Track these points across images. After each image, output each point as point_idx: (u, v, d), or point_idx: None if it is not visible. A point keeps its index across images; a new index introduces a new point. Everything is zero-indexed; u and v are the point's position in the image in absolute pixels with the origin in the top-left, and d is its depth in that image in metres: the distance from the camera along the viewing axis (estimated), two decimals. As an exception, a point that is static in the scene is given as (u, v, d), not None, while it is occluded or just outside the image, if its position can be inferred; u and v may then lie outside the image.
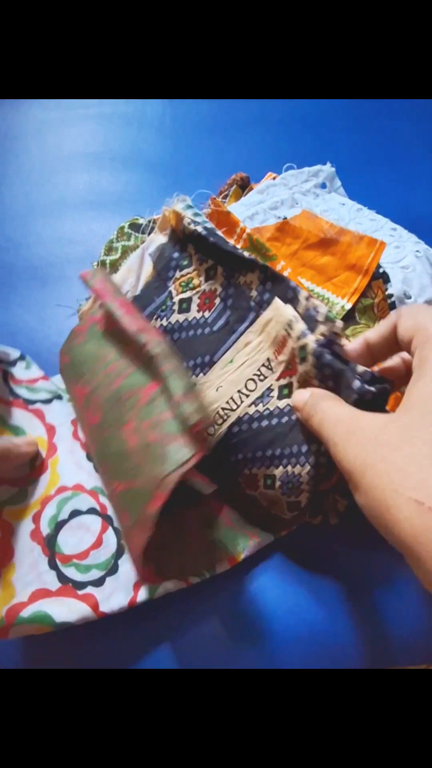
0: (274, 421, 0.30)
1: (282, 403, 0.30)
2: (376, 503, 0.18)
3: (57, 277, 0.45)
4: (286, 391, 0.30)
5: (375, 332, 0.25)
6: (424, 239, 0.41)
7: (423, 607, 0.31)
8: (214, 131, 0.57)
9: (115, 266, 0.38)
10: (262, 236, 0.40)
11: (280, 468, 0.29)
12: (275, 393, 0.30)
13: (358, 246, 0.39)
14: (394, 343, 0.24)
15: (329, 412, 0.23)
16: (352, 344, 0.26)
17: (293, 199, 0.44)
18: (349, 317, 0.38)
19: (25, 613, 0.26)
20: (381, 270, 0.38)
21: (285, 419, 0.29)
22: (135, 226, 0.39)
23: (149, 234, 0.39)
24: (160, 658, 0.29)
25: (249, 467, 0.30)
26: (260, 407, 0.30)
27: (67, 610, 0.27)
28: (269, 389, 0.30)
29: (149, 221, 0.39)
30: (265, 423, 0.30)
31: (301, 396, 0.27)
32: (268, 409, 0.30)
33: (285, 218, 0.41)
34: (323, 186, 0.46)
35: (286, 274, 0.36)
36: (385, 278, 0.38)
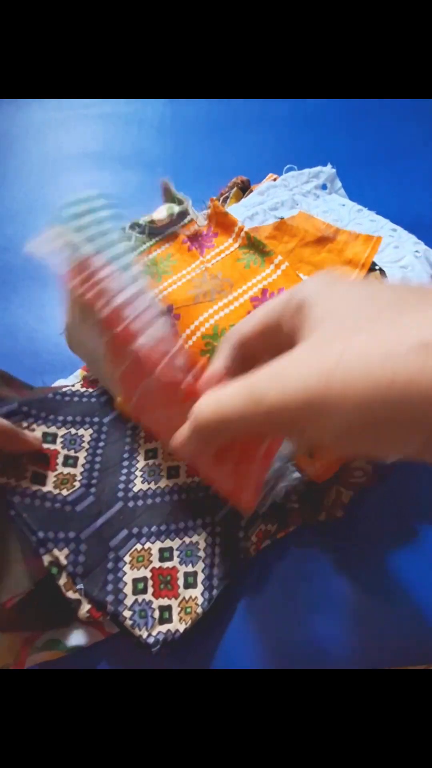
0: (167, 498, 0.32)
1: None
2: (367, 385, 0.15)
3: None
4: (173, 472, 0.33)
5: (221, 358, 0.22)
6: (423, 240, 0.41)
7: (423, 607, 0.31)
8: (214, 131, 0.57)
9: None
10: (260, 235, 0.40)
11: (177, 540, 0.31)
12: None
13: (354, 242, 0.39)
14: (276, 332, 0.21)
15: (217, 393, 0.19)
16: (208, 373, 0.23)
17: (293, 201, 0.44)
18: None
19: (39, 642, 0.28)
20: (377, 267, 0.38)
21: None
22: (135, 226, 0.39)
23: (148, 234, 0.39)
24: (160, 659, 0.29)
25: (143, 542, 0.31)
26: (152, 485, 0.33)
27: (77, 635, 0.29)
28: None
29: (148, 221, 0.39)
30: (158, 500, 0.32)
31: (175, 435, 0.21)
32: (159, 487, 0.32)
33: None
34: (324, 187, 0.46)
35: (284, 267, 0.36)
36: (382, 273, 0.38)
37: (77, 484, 0.31)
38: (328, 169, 0.46)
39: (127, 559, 0.29)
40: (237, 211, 0.42)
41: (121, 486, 0.32)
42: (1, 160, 0.54)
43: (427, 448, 0.16)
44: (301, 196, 0.44)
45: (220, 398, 0.19)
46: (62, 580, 0.28)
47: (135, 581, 0.28)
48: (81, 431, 0.33)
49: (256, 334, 0.21)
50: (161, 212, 0.40)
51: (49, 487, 0.30)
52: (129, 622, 0.27)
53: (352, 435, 0.16)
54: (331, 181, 0.46)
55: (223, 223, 0.39)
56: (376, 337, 0.15)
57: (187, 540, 0.31)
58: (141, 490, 0.32)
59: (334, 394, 0.15)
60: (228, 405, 0.18)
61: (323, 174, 0.46)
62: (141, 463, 0.33)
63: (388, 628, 0.31)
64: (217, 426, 0.19)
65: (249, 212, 0.42)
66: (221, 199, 0.45)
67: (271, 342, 0.21)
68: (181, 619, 0.28)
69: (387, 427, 0.15)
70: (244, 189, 0.45)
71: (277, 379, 0.17)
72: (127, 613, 0.27)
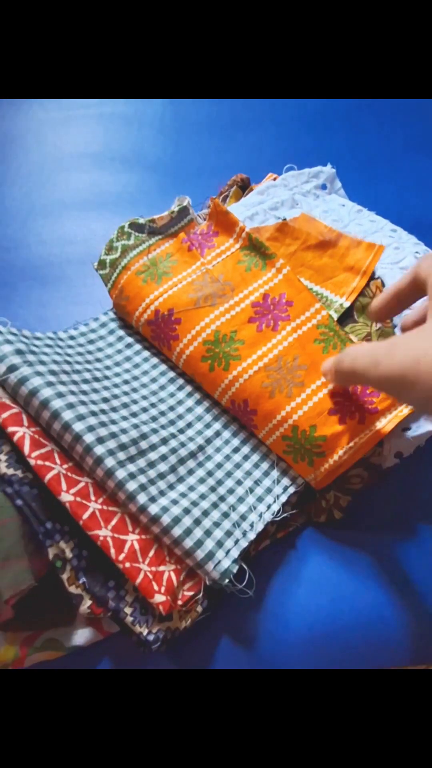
0: None
1: None
2: None
3: (57, 277, 0.45)
4: None
5: (398, 283, 0.28)
6: (423, 240, 0.41)
7: (423, 607, 0.31)
8: (214, 131, 0.57)
9: (114, 265, 0.38)
10: (261, 236, 0.40)
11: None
12: None
13: (356, 249, 0.39)
14: (415, 289, 0.27)
15: (359, 348, 0.26)
16: (378, 299, 0.29)
17: (293, 200, 0.44)
18: (347, 315, 0.38)
19: (38, 642, 0.28)
20: (377, 276, 0.38)
21: None
22: (135, 226, 0.39)
23: (148, 233, 0.39)
24: (160, 659, 0.29)
25: None
26: None
27: (76, 634, 0.28)
28: None
29: (148, 221, 0.39)
30: None
31: (327, 361, 0.30)
32: None
33: (285, 219, 0.41)
34: (323, 187, 0.46)
35: (285, 271, 0.36)
36: (383, 281, 0.38)
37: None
38: (328, 169, 0.46)
39: None
40: (237, 210, 0.42)
41: None
42: (1, 160, 0.54)
43: None
44: (301, 195, 0.44)
45: (357, 353, 0.26)
46: (65, 574, 0.28)
47: None
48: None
49: (397, 293, 0.28)
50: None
51: None
52: (129, 619, 0.27)
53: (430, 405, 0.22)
54: (331, 182, 0.46)
55: (223, 223, 0.39)
56: None
57: None
58: None
59: (421, 374, 0.21)
60: (359, 362, 0.25)
61: (323, 174, 0.46)
62: None
63: (387, 628, 0.31)
64: (349, 374, 0.27)
65: (249, 212, 0.42)
66: (221, 198, 0.45)
67: (407, 301, 0.28)
68: (181, 617, 0.28)
69: None
70: (244, 187, 0.45)
71: (392, 352, 0.23)
72: (127, 610, 0.27)
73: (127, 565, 0.27)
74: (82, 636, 0.29)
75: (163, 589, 0.27)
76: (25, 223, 0.48)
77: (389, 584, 0.32)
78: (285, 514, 0.32)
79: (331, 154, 0.49)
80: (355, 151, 0.56)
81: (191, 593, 0.28)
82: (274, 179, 0.45)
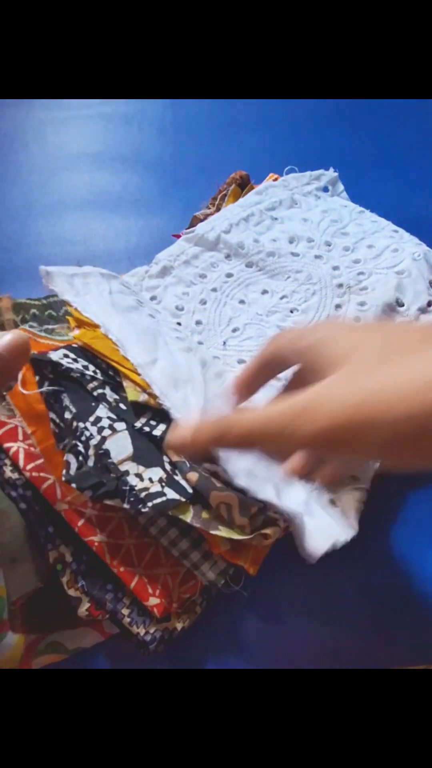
0: None
1: None
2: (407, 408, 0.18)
3: (57, 277, 0.45)
4: None
5: (246, 369, 0.26)
6: (425, 241, 0.41)
7: (423, 607, 0.31)
8: (214, 131, 0.57)
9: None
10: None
11: None
12: None
13: None
14: (277, 364, 0.25)
15: (254, 412, 0.22)
16: (240, 374, 0.27)
17: (292, 200, 0.44)
18: None
19: (41, 645, 0.29)
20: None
21: None
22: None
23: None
24: (159, 660, 0.29)
25: None
26: None
27: (77, 637, 0.29)
28: None
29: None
30: None
31: (177, 433, 0.23)
32: None
33: (280, 220, 0.41)
34: (325, 189, 0.46)
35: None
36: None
37: None
38: (330, 173, 0.46)
39: None
40: (233, 210, 0.42)
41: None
42: (1, 160, 0.54)
43: None
44: (301, 196, 0.44)
45: (269, 413, 0.21)
46: (65, 578, 0.28)
47: None
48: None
49: (259, 367, 0.26)
50: None
51: None
52: (127, 620, 0.27)
53: (395, 446, 0.20)
54: (333, 184, 0.46)
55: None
56: (403, 370, 0.19)
57: None
58: None
59: (377, 411, 0.19)
60: (276, 420, 0.21)
61: (325, 177, 0.46)
62: None
63: (387, 628, 0.31)
64: (260, 437, 0.21)
65: (245, 212, 0.42)
66: (220, 196, 0.45)
67: (269, 375, 0.26)
68: (179, 617, 0.28)
69: (424, 437, 0.19)
70: (243, 185, 0.45)
71: (327, 400, 0.20)
72: (125, 611, 0.28)
73: (122, 569, 0.28)
74: (84, 638, 0.29)
75: (158, 592, 0.27)
76: (25, 223, 0.48)
77: (389, 584, 0.32)
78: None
79: (331, 154, 0.49)
80: (356, 151, 0.56)
81: (188, 595, 0.28)
82: (275, 180, 0.45)
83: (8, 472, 0.29)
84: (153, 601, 0.27)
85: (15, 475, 0.29)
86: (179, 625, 0.28)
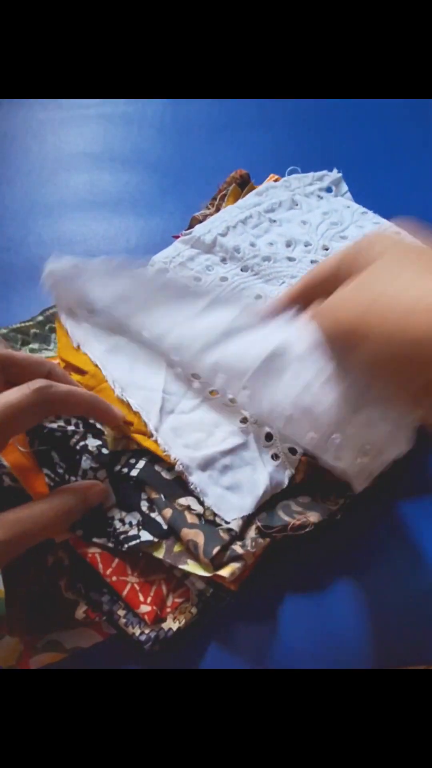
0: None
1: None
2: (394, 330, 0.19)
3: (57, 277, 0.45)
4: None
5: (317, 272, 0.27)
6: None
7: (422, 607, 0.31)
8: (214, 131, 0.57)
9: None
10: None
11: None
12: None
13: None
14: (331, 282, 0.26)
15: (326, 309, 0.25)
16: (289, 289, 0.29)
17: (293, 201, 0.43)
18: None
19: (40, 644, 0.29)
20: None
21: None
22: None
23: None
24: (160, 659, 0.29)
25: None
26: None
27: (76, 636, 0.29)
28: None
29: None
30: None
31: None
32: None
33: (279, 222, 0.41)
34: (329, 190, 0.45)
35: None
36: None
37: None
38: (334, 174, 0.46)
39: None
40: (231, 212, 0.42)
41: None
42: (1, 160, 0.54)
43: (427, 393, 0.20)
44: (302, 196, 0.44)
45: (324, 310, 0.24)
46: (63, 581, 0.29)
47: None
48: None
49: (318, 280, 0.27)
50: None
51: None
52: (123, 621, 0.28)
53: (377, 365, 0.21)
54: (337, 185, 0.46)
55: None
56: (408, 289, 0.20)
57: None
58: None
59: (367, 327, 0.20)
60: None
61: (328, 177, 0.45)
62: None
63: (387, 628, 0.31)
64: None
65: (243, 214, 0.42)
66: (219, 195, 0.45)
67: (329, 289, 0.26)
68: (174, 618, 0.29)
69: (404, 362, 0.19)
70: (243, 185, 0.45)
71: (334, 308, 0.23)
72: (121, 612, 0.28)
73: (114, 579, 0.28)
74: (82, 638, 0.29)
75: (149, 599, 0.28)
76: (25, 223, 0.48)
77: (388, 583, 0.32)
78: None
79: (331, 154, 0.49)
80: (357, 151, 0.56)
81: (181, 600, 0.29)
82: (276, 180, 0.45)
83: (8, 480, 0.30)
84: (144, 608, 0.28)
85: (15, 484, 0.30)
86: (174, 626, 0.28)
